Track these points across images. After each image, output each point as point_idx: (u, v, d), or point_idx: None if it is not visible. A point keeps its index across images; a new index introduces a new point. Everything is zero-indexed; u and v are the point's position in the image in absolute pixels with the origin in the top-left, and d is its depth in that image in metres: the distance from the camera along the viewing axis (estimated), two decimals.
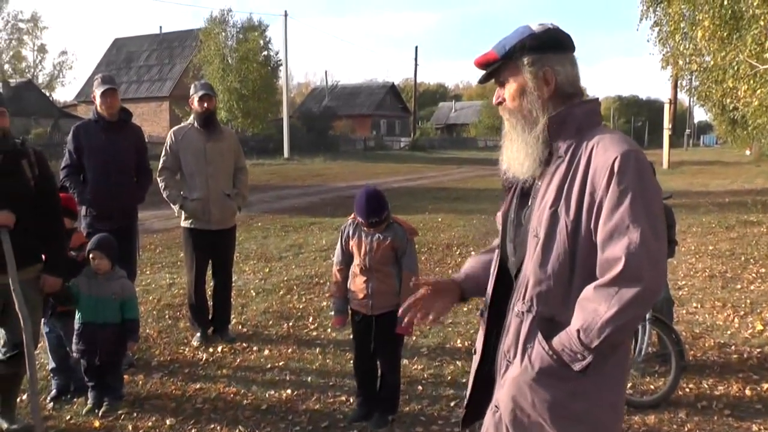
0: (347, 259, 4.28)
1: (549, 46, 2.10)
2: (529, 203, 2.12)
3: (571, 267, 1.98)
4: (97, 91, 5.37)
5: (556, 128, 2.06)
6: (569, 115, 2.06)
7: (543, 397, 2.00)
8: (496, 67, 2.12)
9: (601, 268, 1.91)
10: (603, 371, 1.99)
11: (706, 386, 4.82)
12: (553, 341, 1.97)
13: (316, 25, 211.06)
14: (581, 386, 1.98)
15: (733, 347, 5.65)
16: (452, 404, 4.54)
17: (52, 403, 4.62)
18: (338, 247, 4.34)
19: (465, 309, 6.88)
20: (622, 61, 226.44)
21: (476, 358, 2.32)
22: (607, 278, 1.88)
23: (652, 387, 4.76)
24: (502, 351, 2.13)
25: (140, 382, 5.01)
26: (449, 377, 5.04)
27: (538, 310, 2.02)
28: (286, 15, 39.18)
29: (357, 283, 4.20)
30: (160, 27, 54.61)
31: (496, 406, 2.11)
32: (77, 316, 4.46)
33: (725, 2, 13.31)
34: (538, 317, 2.02)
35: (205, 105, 5.86)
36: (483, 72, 2.18)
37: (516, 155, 2.12)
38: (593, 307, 1.88)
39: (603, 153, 1.95)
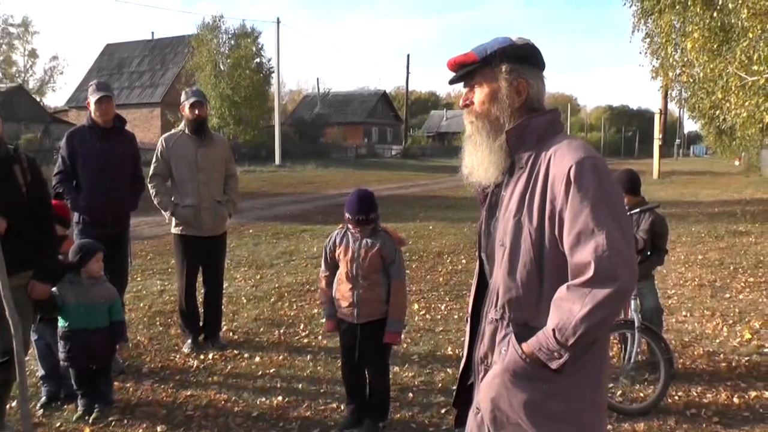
0: (332, 267, 4.27)
1: (527, 60, 2.15)
2: (496, 213, 2.17)
3: (539, 274, 2.04)
4: (92, 98, 5.37)
5: (515, 140, 2.11)
6: (528, 127, 2.12)
7: (519, 398, 2.05)
8: (470, 70, 2.16)
9: (572, 273, 1.96)
10: (579, 371, 2.03)
11: (695, 394, 4.85)
12: (528, 342, 2.02)
13: (308, 32, 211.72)
14: (557, 386, 2.03)
15: (721, 356, 5.69)
16: (443, 411, 4.55)
17: (42, 410, 4.59)
18: (323, 255, 4.34)
19: (456, 317, 6.91)
20: (613, 71, 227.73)
21: (462, 362, 2.41)
22: (580, 280, 1.92)
23: (641, 395, 4.79)
24: (479, 357, 2.21)
25: (131, 389, 5.00)
26: (440, 384, 5.05)
27: (510, 317, 2.09)
28: (278, 22, 39.28)
29: (342, 291, 4.18)
30: (152, 33, 54.79)
31: (477, 408, 2.18)
32: (61, 324, 4.44)
33: (715, 14, 13.44)
34: (512, 323, 2.08)
35: (197, 112, 5.86)
36: (454, 73, 2.22)
37: (480, 161, 2.17)
38: (568, 307, 1.93)
39: (560, 162, 2.00)
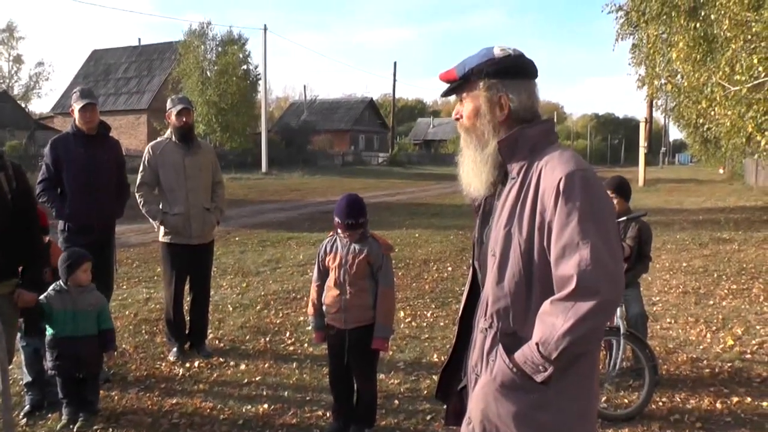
0: (324, 276, 4.29)
1: (507, 73, 2.14)
2: (489, 222, 2.19)
3: (528, 284, 2.04)
4: (76, 106, 5.35)
5: (507, 150, 2.12)
6: (521, 137, 2.12)
7: (508, 408, 2.06)
8: (456, 85, 2.21)
9: (556, 285, 1.97)
10: (567, 382, 2.04)
11: (679, 400, 4.89)
12: (515, 355, 2.03)
13: (295, 39, 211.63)
14: (545, 397, 2.03)
15: (705, 362, 5.74)
16: (428, 418, 4.56)
17: (25, 419, 4.56)
18: (316, 264, 4.36)
19: (441, 324, 6.92)
20: (599, 80, 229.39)
21: (447, 358, 2.47)
22: (563, 294, 1.93)
23: (626, 401, 4.82)
24: (471, 365, 2.22)
25: (116, 397, 4.97)
26: (425, 392, 5.06)
27: (499, 326, 2.10)
28: (265, 29, 39.25)
29: (331, 297, 4.20)
30: (139, 39, 54.40)
31: (469, 418, 2.18)
32: (48, 332, 4.42)
33: (698, 25, 13.58)
34: (500, 333, 2.09)
35: (184, 119, 5.86)
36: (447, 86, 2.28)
37: (468, 173, 2.22)
38: (551, 321, 1.94)
39: (551, 173, 2.01)
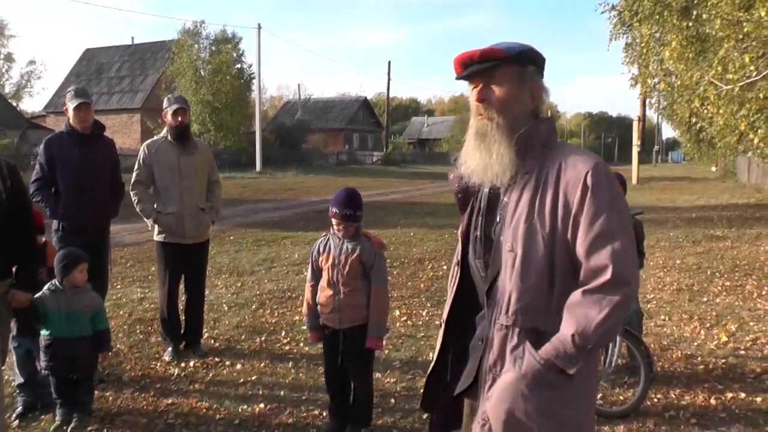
0: (318, 275, 4.28)
1: (540, 65, 2.18)
2: (498, 219, 2.15)
3: (551, 278, 2.05)
4: (71, 105, 5.34)
5: (523, 144, 2.11)
6: (535, 132, 2.13)
7: (536, 405, 2.05)
8: (489, 66, 2.11)
9: (586, 275, 1.99)
10: (584, 376, 2.07)
11: (674, 396, 4.91)
12: (544, 349, 2.03)
13: (289, 38, 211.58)
14: (569, 392, 2.06)
15: (699, 358, 5.76)
16: (425, 417, 4.56)
17: (17, 421, 4.54)
18: (310, 264, 4.36)
19: (437, 323, 6.91)
20: (592, 80, 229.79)
21: (431, 366, 2.44)
22: (596, 284, 1.96)
23: (621, 398, 4.84)
24: (487, 366, 2.16)
25: (110, 398, 4.96)
26: (422, 390, 5.04)
27: (523, 322, 2.07)
28: (259, 28, 39.15)
29: (325, 297, 4.19)
30: (132, 38, 54.25)
31: (484, 419, 2.14)
32: (43, 332, 4.39)
33: (690, 24, 13.62)
34: (524, 329, 2.07)
35: (179, 119, 5.84)
36: (463, 68, 2.16)
37: (494, 160, 2.12)
38: (584, 312, 1.96)
39: (573, 168, 2.03)
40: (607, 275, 1.94)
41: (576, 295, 1.99)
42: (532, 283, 2.05)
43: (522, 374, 2.05)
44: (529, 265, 2.05)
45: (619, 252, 1.95)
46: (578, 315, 1.97)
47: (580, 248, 1.99)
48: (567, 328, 1.99)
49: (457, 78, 2.18)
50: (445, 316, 2.38)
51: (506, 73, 2.12)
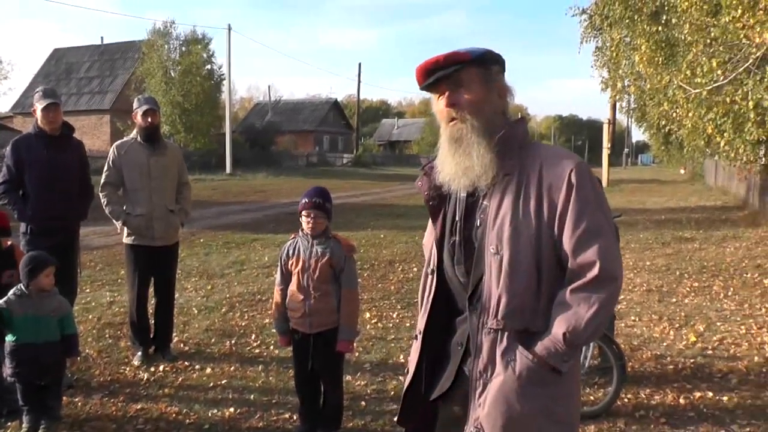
0: (287, 279, 4.24)
1: (502, 66, 2.20)
2: (478, 223, 2.13)
3: (538, 278, 2.05)
4: (39, 105, 5.24)
5: (502, 147, 2.10)
6: (513, 134, 2.13)
7: (534, 404, 2.05)
8: (455, 69, 2.10)
9: (573, 273, 2.01)
10: (573, 374, 2.11)
11: (644, 396, 4.96)
12: (536, 349, 2.04)
13: (259, 39, 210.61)
14: (561, 390, 2.07)
15: (668, 358, 5.83)
16: (396, 419, 4.55)
17: None
18: (278, 268, 4.32)
19: (407, 325, 6.92)
20: (563, 82, 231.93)
21: (408, 377, 2.37)
22: (584, 281, 1.98)
23: (592, 398, 4.87)
24: (477, 371, 2.12)
25: (79, 404, 4.87)
26: (392, 392, 5.05)
27: (512, 325, 2.06)
28: (229, 29, 38.95)
29: (295, 302, 4.16)
30: (102, 38, 53.52)
31: (477, 427, 2.11)
32: (8, 338, 4.28)
33: (660, 29, 13.80)
34: (514, 331, 2.06)
35: (149, 120, 5.77)
36: (427, 75, 2.13)
37: (473, 163, 2.10)
38: (574, 310, 1.98)
39: (555, 167, 2.04)
40: (595, 271, 1.97)
41: (564, 294, 2.01)
42: (520, 285, 2.04)
43: (516, 375, 2.04)
44: (516, 267, 2.04)
45: (605, 248, 1.98)
46: (568, 313, 1.99)
47: (567, 246, 2.01)
48: (558, 327, 2.00)
49: (422, 87, 2.16)
50: (421, 327, 2.33)
51: (473, 74, 2.12)
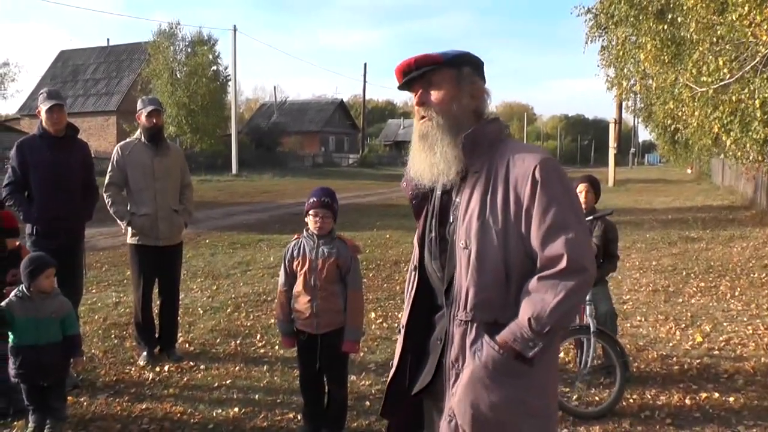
0: (291, 280, 4.23)
1: (481, 69, 2.27)
2: (451, 219, 2.20)
3: (506, 272, 2.09)
4: (43, 107, 5.26)
5: (470, 144, 2.16)
6: (482, 132, 2.18)
7: (501, 395, 2.07)
8: (428, 70, 2.20)
9: (542, 265, 2.03)
10: (547, 364, 2.12)
11: (649, 396, 4.94)
12: (501, 335, 2.06)
13: (265, 40, 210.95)
14: (533, 381, 2.09)
15: (674, 359, 5.80)
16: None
17: None
18: (282, 269, 4.30)
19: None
20: (569, 82, 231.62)
21: (392, 371, 2.42)
22: (552, 271, 2.01)
23: (597, 398, 4.86)
24: (449, 362, 2.18)
25: (84, 404, 4.89)
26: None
27: (481, 317, 2.10)
28: (235, 30, 39.02)
29: (301, 303, 4.14)
30: (108, 39, 53.59)
31: (451, 415, 2.15)
32: (11, 339, 4.28)
33: (666, 27, 13.74)
34: (482, 323, 2.10)
35: (154, 120, 5.79)
36: (402, 76, 2.25)
37: (438, 160, 2.19)
38: (540, 297, 2.01)
39: (521, 163, 2.09)
40: (563, 264, 1.99)
41: (532, 282, 2.04)
42: (487, 278, 2.09)
43: (482, 364, 2.07)
44: (483, 261, 2.08)
45: (573, 240, 2.00)
46: (534, 299, 2.02)
47: (535, 241, 2.04)
48: (524, 312, 2.03)
49: (399, 87, 2.28)
50: (404, 321, 2.40)
51: (444, 75, 2.21)
